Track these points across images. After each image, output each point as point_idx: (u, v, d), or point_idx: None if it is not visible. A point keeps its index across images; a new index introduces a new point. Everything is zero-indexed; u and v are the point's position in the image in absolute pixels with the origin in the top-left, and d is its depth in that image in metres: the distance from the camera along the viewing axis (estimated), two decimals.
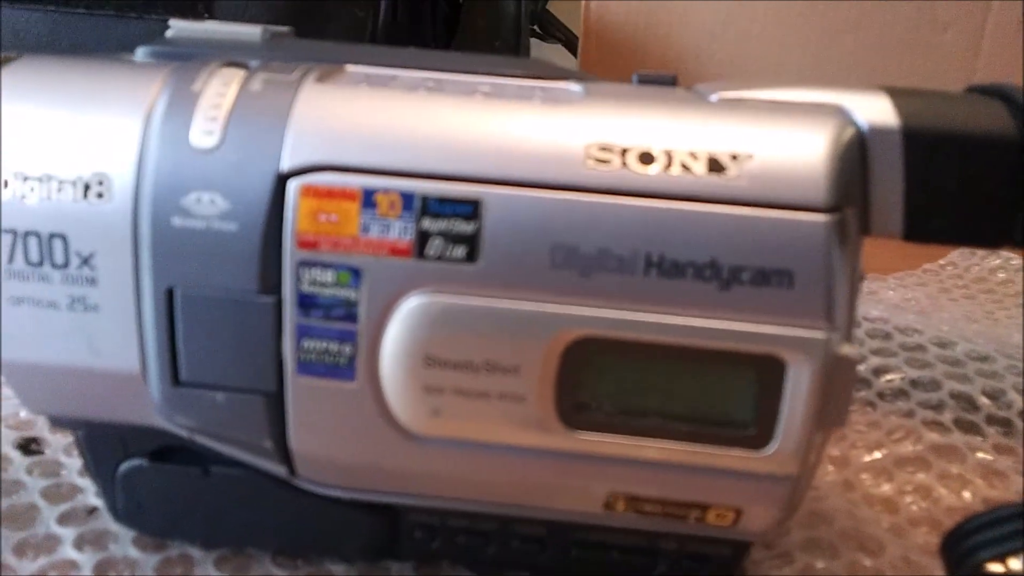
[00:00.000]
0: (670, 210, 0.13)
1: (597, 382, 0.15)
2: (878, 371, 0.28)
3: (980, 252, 0.39)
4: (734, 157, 0.13)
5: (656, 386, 0.15)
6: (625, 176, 0.14)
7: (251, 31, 0.18)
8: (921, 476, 0.23)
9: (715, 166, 0.13)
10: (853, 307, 0.14)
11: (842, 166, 0.13)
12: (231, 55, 0.16)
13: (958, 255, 0.40)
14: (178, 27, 0.18)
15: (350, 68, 0.17)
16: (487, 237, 0.14)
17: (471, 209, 0.14)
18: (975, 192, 0.13)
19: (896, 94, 0.14)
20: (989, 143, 0.13)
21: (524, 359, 0.14)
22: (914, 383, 0.28)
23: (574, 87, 0.16)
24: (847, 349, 0.13)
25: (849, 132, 0.13)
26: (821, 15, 0.47)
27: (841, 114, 0.14)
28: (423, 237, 0.14)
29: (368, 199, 0.14)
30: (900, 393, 0.27)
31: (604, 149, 0.14)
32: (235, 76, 0.15)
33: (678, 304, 0.14)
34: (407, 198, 0.14)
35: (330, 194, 0.14)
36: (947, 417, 0.26)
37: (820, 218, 0.13)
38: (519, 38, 0.45)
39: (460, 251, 0.14)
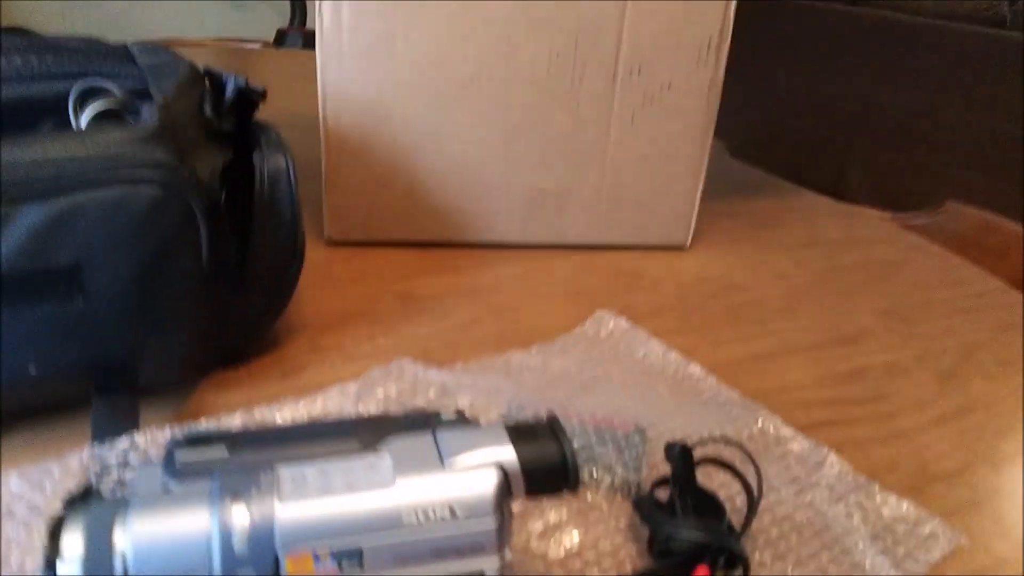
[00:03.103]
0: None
1: None
2: None
3: None
4: (451, 509, 0.24)
5: None
6: None
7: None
8: None
9: (450, 512, 0.24)
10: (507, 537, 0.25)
11: (499, 494, 0.24)
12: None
13: None
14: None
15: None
16: None
17: None
18: (554, 483, 0.26)
19: (516, 443, 0.26)
20: (554, 467, 0.26)
21: None
22: None
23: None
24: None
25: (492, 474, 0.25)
26: None
27: (498, 467, 0.25)
28: None
29: None
30: None
31: None
32: None
33: None
34: None
35: None
36: None
37: (491, 522, 0.24)
38: None
39: None
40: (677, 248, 0.61)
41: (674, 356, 0.44)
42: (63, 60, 0.41)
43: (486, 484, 0.24)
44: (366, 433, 0.26)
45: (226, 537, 0.22)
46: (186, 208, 0.34)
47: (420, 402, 0.38)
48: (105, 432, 0.34)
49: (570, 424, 0.36)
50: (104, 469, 0.32)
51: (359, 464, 0.24)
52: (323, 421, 0.29)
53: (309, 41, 2.70)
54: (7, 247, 0.31)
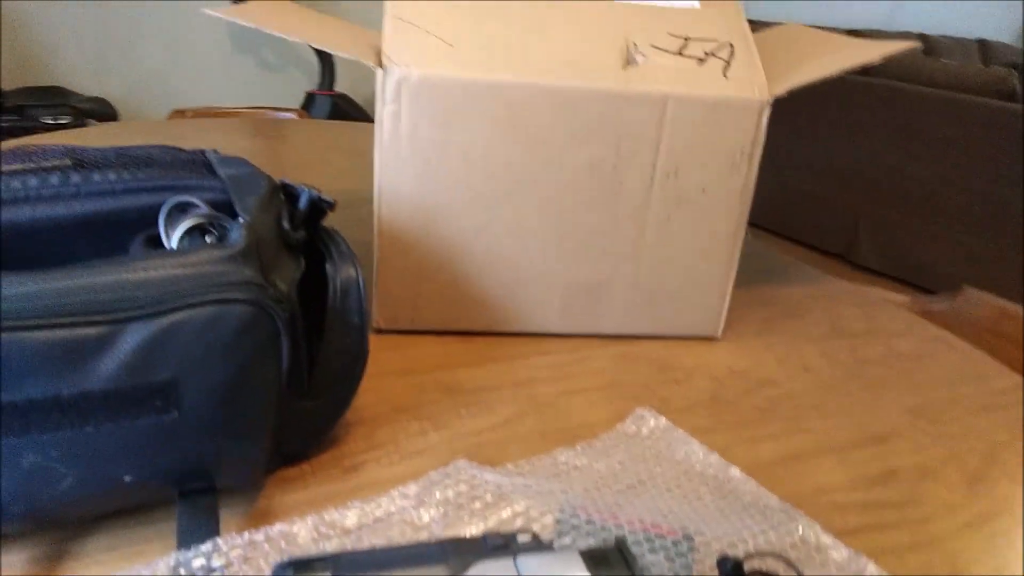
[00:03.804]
0: None
1: None
2: None
3: None
4: None
5: None
6: None
7: None
8: None
9: None
10: None
11: None
12: None
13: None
14: None
15: None
16: None
17: None
18: None
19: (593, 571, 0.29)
20: None
21: None
22: None
23: None
24: None
25: None
26: None
27: None
28: None
29: None
30: None
31: None
32: None
33: None
34: None
35: None
36: None
37: None
38: None
39: None
40: (709, 339, 0.64)
41: (715, 459, 0.46)
42: (150, 173, 0.45)
43: None
44: (454, 558, 0.28)
45: None
46: (271, 324, 0.37)
47: (478, 505, 0.40)
48: (190, 537, 0.36)
49: (621, 530, 0.39)
50: (191, 574, 0.35)
51: None
52: (415, 544, 0.31)
53: (337, 106, 2.78)
54: (113, 366, 0.34)
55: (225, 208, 0.43)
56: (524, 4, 0.59)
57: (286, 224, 0.44)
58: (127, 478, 0.35)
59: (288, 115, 1.46)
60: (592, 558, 0.28)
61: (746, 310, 0.70)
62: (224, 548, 0.36)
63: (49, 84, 2.43)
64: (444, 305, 0.60)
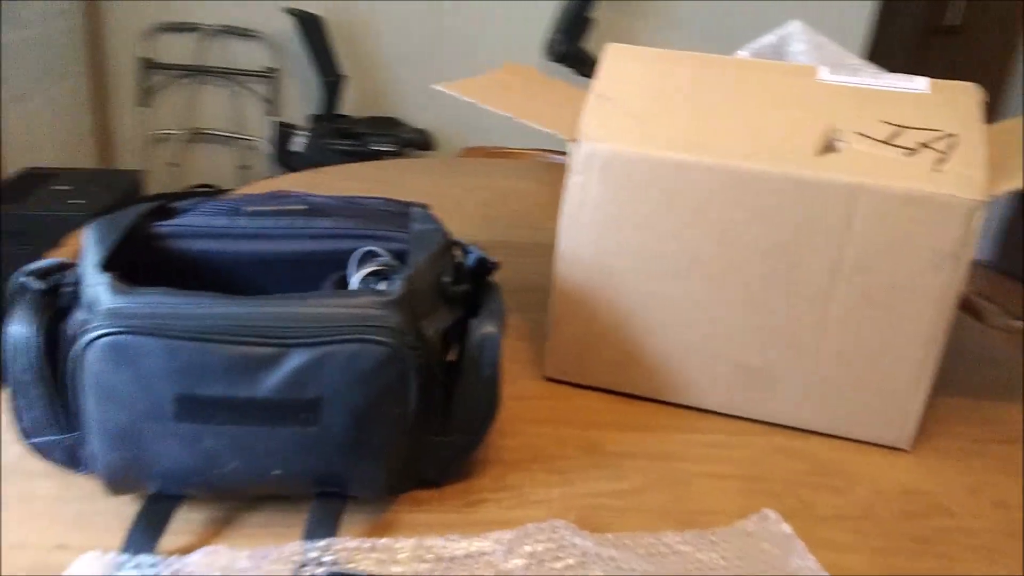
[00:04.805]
0: None
1: None
2: None
3: None
4: None
5: None
6: None
7: None
8: None
9: None
10: None
11: None
12: None
13: None
14: None
15: None
16: None
17: None
18: None
19: None
20: None
21: None
22: None
23: None
24: None
25: None
26: None
27: None
28: None
29: None
30: None
31: None
32: None
33: None
34: None
35: None
36: None
37: None
38: None
39: None
40: (893, 448, 0.59)
41: None
42: (359, 223, 0.54)
43: None
44: None
45: None
46: (402, 367, 0.43)
47: (559, 566, 0.43)
48: (314, 532, 0.44)
49: None
50: (305, 562, 0.42)
51: None
52: None
53: None
54: (276, 380, 0.42)
55: (405, 258, 0.51)
56: (737, 87, 0.60)
57: (448, 278, 0.50)
58: (276, 472, 0.44)
59: (562, 159, 1.56)
60: None
61: (963, 425, 0.63)
62: (335, 547, 0.43)
63: (387, 115, 2.84)
64: (611, 366, 0.63)
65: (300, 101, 2.85)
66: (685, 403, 0.62)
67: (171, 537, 0.44)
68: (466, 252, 0.53)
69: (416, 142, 2.61)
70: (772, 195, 0.55)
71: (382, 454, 0.45)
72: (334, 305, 0.44)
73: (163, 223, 0.52)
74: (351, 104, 2.82)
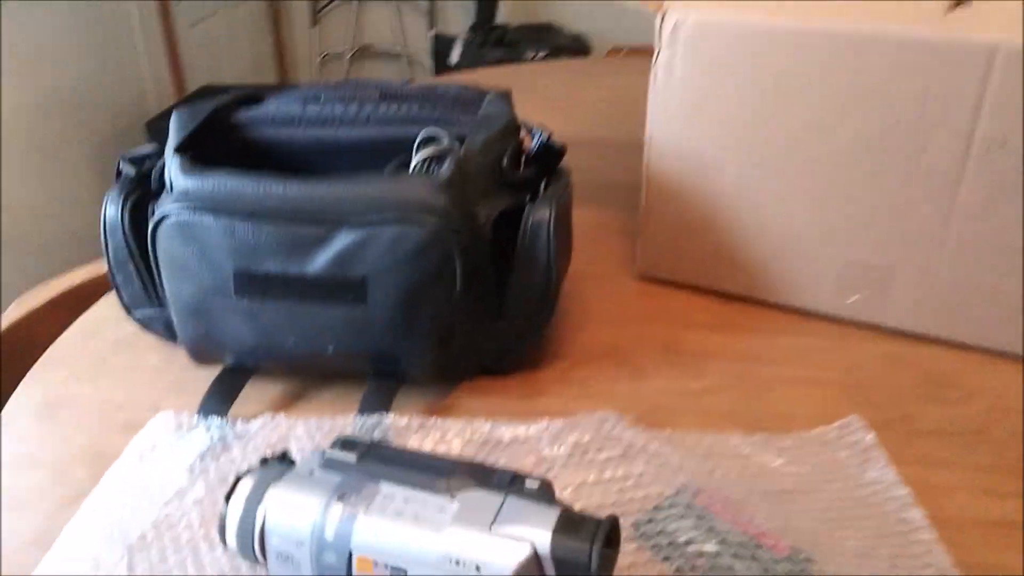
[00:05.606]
0: None
1: None
2: None
3: None
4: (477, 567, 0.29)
5: None
6: None
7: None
8: None
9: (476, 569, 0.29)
10: None
11: (523, 568, 0.28)
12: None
13: None
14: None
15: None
16: None
17: None
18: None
19: (556, 532, 0.29)
20: (578, 566, 0.28)
21: None
22: None
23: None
24: None
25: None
26: None
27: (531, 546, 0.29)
28: None
29: None
30: None
31: None
32: None
33: None
34: None
35: None
36: None
37: None
38: None
39: None
40: (1018, 358, 0.50)
41: (903, 494, 0.39)
42: (429, 109, 0.52)
43: (512, 556, 0.28)
44: (458, 477, 0.31)
45: (322, 525, 0.30)
46: (445, 249, 0.43)
47: (602, 456, 0.41)
48: (368, 407, 0.45)
49: (721, 523, 0.36)
50: (357, 434, 0.43)
51: (433, 503, 0.30)
52: (435, 456, 0.35)
53: None
54: (325, 259, 0.43)
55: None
56: None
57: (507, 162, 0.48)
58: (330, 348, 0.45)
59: None
60: (567, 522, 0.28)
61: None
62: (387, 423, 0.44)
63: (543, 22, 2.77)
64: (706, 262, 0.58)
65: (460, 14, 2.85)
66: (784, 303, 0.57)
67: (243, 405, 0.47)
68: (533, 136, 0.51)
69: (570, 48, 2.53)
70: (890, 62, 0.47)
71: (430, 335, 0.45)
72: (382, 188, 0.44)
73: (244, 111, 0.54)
74: (509, 11, 2.78)
